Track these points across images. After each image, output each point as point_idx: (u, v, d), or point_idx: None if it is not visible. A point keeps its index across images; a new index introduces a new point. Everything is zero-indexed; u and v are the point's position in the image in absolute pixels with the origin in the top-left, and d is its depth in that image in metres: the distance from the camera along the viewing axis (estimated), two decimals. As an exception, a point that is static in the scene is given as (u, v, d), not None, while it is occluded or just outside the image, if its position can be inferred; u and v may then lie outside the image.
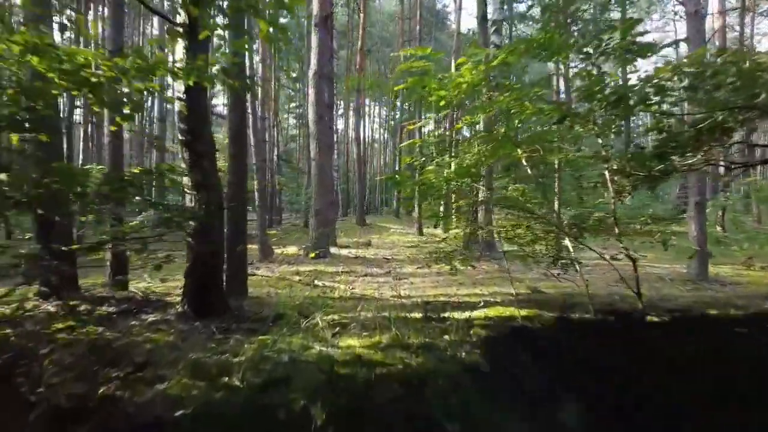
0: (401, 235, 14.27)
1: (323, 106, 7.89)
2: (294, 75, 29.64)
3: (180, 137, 3.81)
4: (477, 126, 6.68)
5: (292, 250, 9.77)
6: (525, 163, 3.78)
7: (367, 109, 37.22)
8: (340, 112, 36.88)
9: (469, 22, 55.36)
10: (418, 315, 4.00)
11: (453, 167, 3.23)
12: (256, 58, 8.79)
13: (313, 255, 7.32)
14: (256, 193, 7.41)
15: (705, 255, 5.45)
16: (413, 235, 13.95)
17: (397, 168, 28.68)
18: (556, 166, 4.85)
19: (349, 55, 24.91)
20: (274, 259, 7.71)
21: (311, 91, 7.80)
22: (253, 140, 7.61)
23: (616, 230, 3.21)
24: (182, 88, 3.74)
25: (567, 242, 3.84)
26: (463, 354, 2.98)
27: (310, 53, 7.97)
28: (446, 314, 4.00)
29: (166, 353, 3.06)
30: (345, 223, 19.48)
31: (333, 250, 9.43)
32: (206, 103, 3.93)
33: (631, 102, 2.83)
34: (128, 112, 2.58)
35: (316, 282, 5.78)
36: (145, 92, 2.68)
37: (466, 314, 3.98)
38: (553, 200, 4.14)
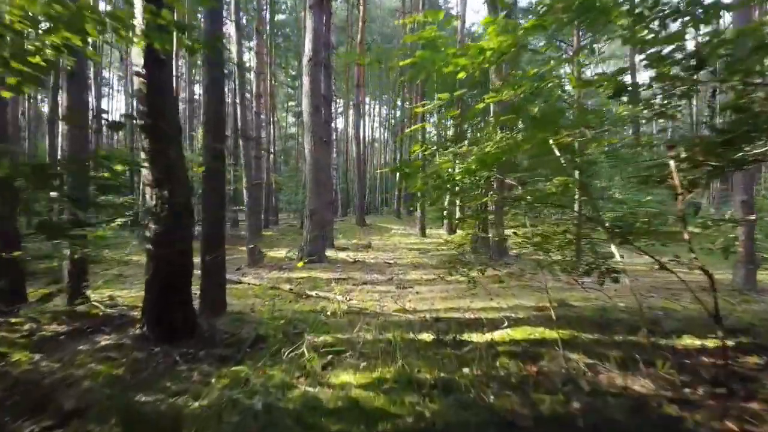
0: (403, 237, 13.57)
1: (319, 96, 7.20)
2: (294, 73, 29.02)
3: (138, 120, 3.12)
4: (488, 114, 5.99)
5: (285, 253, 9.08)
6: (558, 153, 3.08)
7: (367, 107, 36.56)
8: (340, 109, 36.25)
9: (472, 17, 54.60)
10: (428, 336, 3.30)
11: (474, 155, 2.55)
12: (250, 43, 8.07)
13: (302, 262, 6.63)
14: (245, 192, 6.72)
15: (755, 261, 4.77)
16: (416, 237, 13.26)
17: (397, 175, 27.83)
18: (588, 156, 4.15)
19: (349, 50, 24.22)
20: (264, 265, 7.02)
21: (306, 80, 7.12)
22: (241, 133, 6.92)
23: (685, 235, 2.51)
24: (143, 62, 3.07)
25: (613, 248, 3.14)
26: (491, 397, 2.28)
27: (305, 39, 7.27)
28: (462, 336, 3.30)
29: (106, 395, 2.37)
30: (344, 223, 18.84)
31: (330, 253, 8.74)
32: (171, 77, 3.23)
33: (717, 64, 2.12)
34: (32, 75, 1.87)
35: (308, 292, 5.08)
36: (63, 51, 1.97)
37: (487, 336, 3.28)
38: (594, 197, 3.45)
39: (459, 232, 13.10)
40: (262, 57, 15.07)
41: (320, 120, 7.34)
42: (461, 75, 2.60)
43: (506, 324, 3.44)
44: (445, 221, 13.96)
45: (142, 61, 3.10)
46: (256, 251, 6.83)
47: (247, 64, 22.78)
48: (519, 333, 3.32)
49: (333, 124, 32.77)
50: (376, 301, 4.77)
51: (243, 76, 7.02)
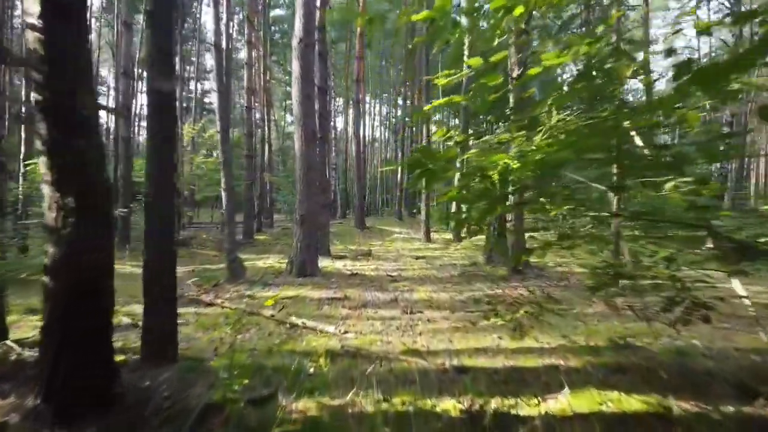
0: (406, 242, 12.57)
1: (311, 83, 6.20)
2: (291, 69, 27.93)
3: (34, 94, 2.13)
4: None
5: (275, 261, 8.07)
6: (640, 142, 2.07)
7: (367, 107, 35.46)
8: (339, 108, 35.23)
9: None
10: (453, 406, 2.30)
11: (538, 141, 1.57)
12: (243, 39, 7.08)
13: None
14: (223, 193, 5.73)
15: None
16: (420, 242, 12.25)
17: (398, 174, 27.01)
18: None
19: (347, 47, 23.25)
20: (247, 279, 6.02)
21: (296, 65, 6.12)
22: (220, 125, 5.91)
23: None
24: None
25: (734, 283, 2.14)
26: None
27: (295, 18, 6.27)
28: (503, 406, 2.30)
29: None
30: (343, 226, 17.82)
31: (325, 262, 7.74)
32: (83, 32, 2.23)
33: None
34: None
35: (294, 320, 4.08)
36: None
37: (541, 408, 2.27)
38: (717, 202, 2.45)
39: (466, 237, 12.10)
40: (253, 48, 14.06)
41: (312, 110, 6.34)
42: (519, 10, 1.59)
43: (565, 388, 2.42)
44: (451, 223, 12.94)
45: (37, 8, 2.12)
46: (236, 264, 5.83)
47: (239, 57, 21.67)
48: (585, 401, 2.32)
49: (332, 123, 31.80)
50: (377, 333, 3.77)
51: (222, 58, 6.02)
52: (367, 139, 31.86)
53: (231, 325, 4.06)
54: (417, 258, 8.90)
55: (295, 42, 6.26)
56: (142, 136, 25.78)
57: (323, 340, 3.61)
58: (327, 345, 3.42)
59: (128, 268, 8.57)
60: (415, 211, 25.92)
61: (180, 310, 4.70)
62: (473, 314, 4.36)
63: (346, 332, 3.75)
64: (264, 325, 4.07)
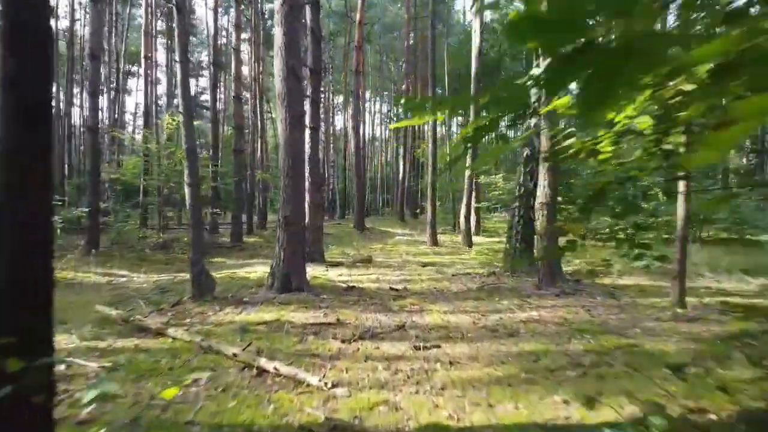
0: (410, 245, 11.40)
1: (295, 53, 5.02)
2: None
3: None
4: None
5: (260, 272, 6.92)
6: None
7: (368, 104, 34.17)
8: (339, 106, 34.02)
9: None
10: None
11: None
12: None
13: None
14: (187, 189, 4.58)
15: None
16: (425, 245, 11.08)
17: (403, 166, 25.92)
18: None
19: (346, 38, 22.08)
20: (217, 295, 4.87)
21: (278, 32, 4.94)
22: (182, 105, 4.73)
23: None
24: None
25: None
26: None
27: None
28: None
29: None
30: (341, 227, 16.66)
31: (317, 271, 6.60)
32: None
33: None
34: None
35: (264, 363, 2.92)
36: None
37: None
38: None
39: (476, 238, 10.97)
40: (240, 31, 12.91)
41: (299, 89, 5.16)
42: None
43: None
44: (461, 221, 11.74)
45: None
46: (203, 277, 4.67)
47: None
48: None
49: (331, 120, 30.53)
50: (380, 388, 2.61)
51: (184, 23, 4.86)
52: (367, 137, 30.69)
53: (176, 370, 2.91)
54: (424, 265, 7.75)
55: (277, 5, 5.11)
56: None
57: (301, 398, 2.46)
58: (304, 412, 2.27)
59: (92, 277, 7.43)
60: (418, 211, 24.75)
61: (118, 343, 3.59)
62: (512, 353, 3.20)
63: (334, 386, 2.59)
64: (222, 370, 2.92)
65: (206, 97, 33.44)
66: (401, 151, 25.37)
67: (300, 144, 5.27)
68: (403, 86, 28.59)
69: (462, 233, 11.08)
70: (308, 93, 7.45)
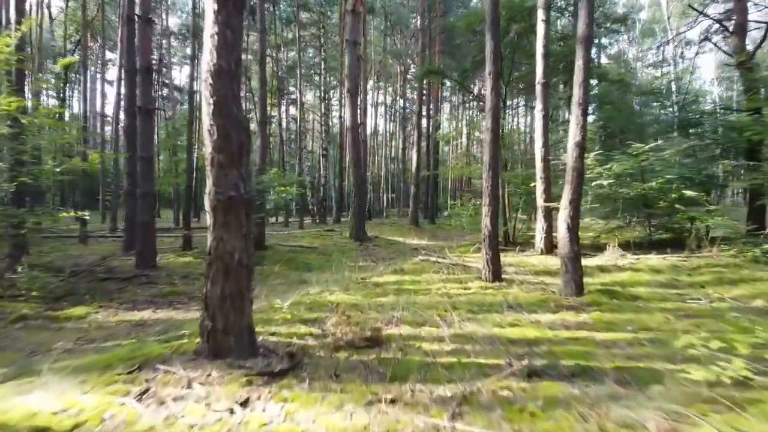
0: (446, 274, 5.64)
1: None
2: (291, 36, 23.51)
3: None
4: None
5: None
6: None
7: (369, 96, 30.16)
8: (335, 101, 30.28)
9: None
10: None
11: None
12: None
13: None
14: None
15: None
16: (477, 277, 5.33)
17: (417, 159, 22.28)
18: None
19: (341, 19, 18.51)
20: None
21: None
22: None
23: None
24: None
25: None
26: None
27: None
28: None
29: None
30: (331, 238, 12.64)
31: (268, 342, 3.11)
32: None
33: None
34: None
35: None
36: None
37: None
38: None
39: (550, 260, 7.23)
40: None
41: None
42: None
43: None
44: (539, 226, 7.75)
45: None
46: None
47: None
48: None
49: (329, 115, 26.71)
50: None
51: None
52: (368, 128, 26.98)
53: None
54: (530, 375, 2.55)
55: None
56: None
57: None
58: None
59: None
60: (447, 213, 20.54)
61: None
62: None
63: None
64: None
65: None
66: (414, 137, 21.52)
67: (229, 95, 1.85)
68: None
69: (560, 257, 4.62)
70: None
